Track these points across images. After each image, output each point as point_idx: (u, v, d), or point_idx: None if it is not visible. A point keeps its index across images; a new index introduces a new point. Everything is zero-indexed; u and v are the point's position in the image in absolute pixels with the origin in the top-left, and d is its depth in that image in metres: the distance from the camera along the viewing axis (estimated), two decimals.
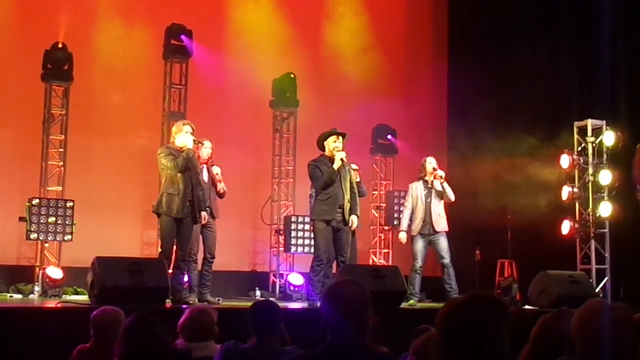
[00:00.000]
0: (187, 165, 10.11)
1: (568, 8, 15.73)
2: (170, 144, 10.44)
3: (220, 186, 11.39)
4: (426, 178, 12.20)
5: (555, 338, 3.57)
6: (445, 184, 12.12)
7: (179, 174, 10.07)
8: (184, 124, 10.36)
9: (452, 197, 12.15)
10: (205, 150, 11.25)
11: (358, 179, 11.82)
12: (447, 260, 12.02)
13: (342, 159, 10.61)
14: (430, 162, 12.24)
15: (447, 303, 3.09)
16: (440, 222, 12.10)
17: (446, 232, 12.10)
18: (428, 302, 13.39)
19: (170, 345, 5.55)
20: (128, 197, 14.59)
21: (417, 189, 12.25)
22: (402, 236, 12.20)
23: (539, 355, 3.51)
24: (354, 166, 11.65)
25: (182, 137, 10.20)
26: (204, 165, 11.24)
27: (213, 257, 11.30)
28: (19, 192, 13.61)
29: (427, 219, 12.05)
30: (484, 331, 2.88)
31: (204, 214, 10.68)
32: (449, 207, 12.56)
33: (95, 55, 14.50)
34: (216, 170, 11.35)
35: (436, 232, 12.05)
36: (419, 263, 12.08)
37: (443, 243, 12.06)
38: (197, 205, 10.28)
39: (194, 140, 10.22)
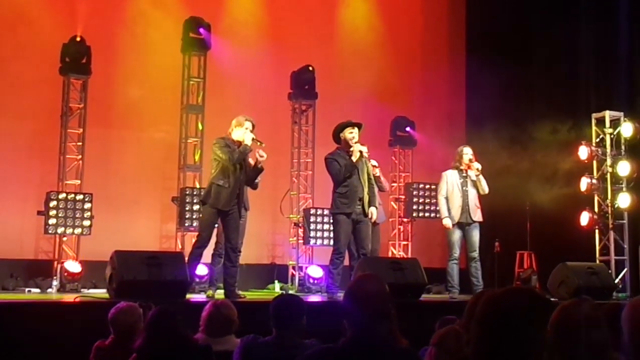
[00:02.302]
0: (241, 160, 10.08)
1: (586, 1, 15.61)
2: (227, 135, 10.31)
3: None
4: (461, 167, 12.01)
5: (573, 325, 3.49)
6: (481, 176, 11.94)
7: (231, 167, 10.02)
8: (246, 119, 10.24)
9: (486, 189, 11.96)
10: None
11: (378, 174, 11.72)
12: (476, 253, 11.85)
13: (360, 151, 10.51)
14: (467, 153, 11.98)
15: (481, 295, 3.05)
16: (477, 211, 11.92)
17: (480, 222, 11.93)
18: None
19: (191, 340, 5.50)
20: (146, 190, 14.53)
21: (451, 177, 11.98)
22: (448, 222, 11.80)
23: (557, 341, 3.44)
24: (374, 162, 11.55)
25: (241, 131, 10.12)
26: None
27: (239, 250, 11.25)
28: (38, 186, 13.54)
29: (465, 207, 11.83)
30: (525, 326, 2.82)
31: (244, 212, 10.64)
32: None
33: (114, 49, 14.44)
34: (262, 154, 10.99)
35: (473, 222, 11.87)
36: (457, 252, 11.85)
37: (476, 236, 11.87)
38: (241, 200, 10.24)
39: (253, 139, 10.12)
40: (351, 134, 10.60)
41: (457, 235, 11.83)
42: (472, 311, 3.21)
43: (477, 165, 11.88)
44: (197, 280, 11.70)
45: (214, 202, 10.05)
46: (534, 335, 2.82)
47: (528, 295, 2.94)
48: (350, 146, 10.55)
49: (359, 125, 10.72)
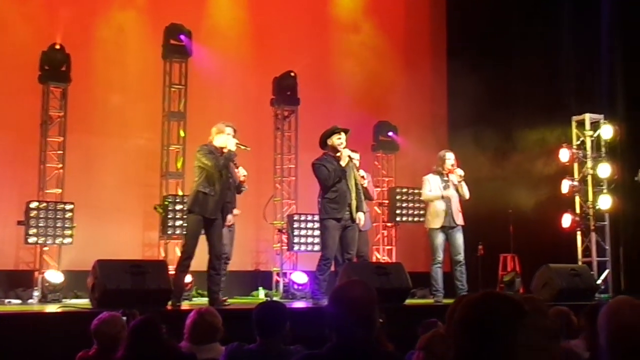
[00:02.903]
0: (226, 167, 10.07)
1: (567, 2, 15.67)
2: (209, 142, 10.28)
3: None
4: (443, 172, 11.97)
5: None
6: (463, 182, 11.95)
7: (216, 174, 10.00)
8: (226, 126, 10.26)
9: (467, 195, 11.98)
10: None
11: (366, 184, 11.72)
12: (461, 256, 11.85)
13: (349, 156, 10.54)
14: (450, 159, 11.93)
15: (461, 300, 3.13)
16: (459, 215, 11.91)
17: (462, 226, 11.94)
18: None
19: (176, 349, 5.47)
20: (128, 198, 14.43)
21: (434, 181, 11.92)
22: (437, 192, 11.82)
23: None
24: (362, 173, 11.56)
25: (223, 138, 10.11)
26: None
27: (229, 258, 11.23)
28: (18, 195, 13.40)
29: (448, 211, 11.80)
30: (499, 330, 2.87)
31: (230, 217, 10.64)
32: None
33: (94, 56, 14.35)
34: (243, 172, 11.18)
35: (456, 225, 11.86)
36: (440, 256, 11.84)
37: (460, 239, 11.86)
38: (225, 208, 10.24)
39: (237, 144, 10.12)
40: (339, 139, 10.63)
41: (440, 239, 11.81)
42: (453, 316, 3.24)
43: (459, 171, 11.85)
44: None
45: (200, 210, 10.01)
46: (509, 339, 2.86)
47: (502, 300, 2.98)
48: (338, 151, 10.57)
49: (345, 131, 10.74)
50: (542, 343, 3.45)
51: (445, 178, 11.90)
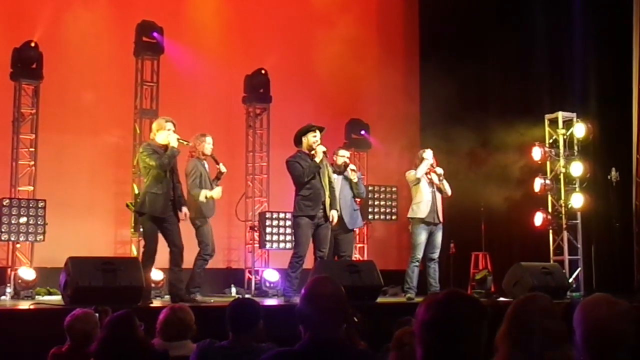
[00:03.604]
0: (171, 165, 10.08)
1: (540, 1, 15.76)
2: (151, 141, 10.29)
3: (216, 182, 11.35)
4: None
5: (529, 316, 3.60)
6: (444, 180, 12.06)
7: (162, 173, 9.99)
8: (166, 121, 10.26)
9: (449, 192, 12.12)
10: (208, 146, 11.17)
11: (356, 180, 11.81)
12: (436, 255, 11.98)
13: (324, 152, 10.64)
14: (428, 158, 12.09)
15: (427, 299, 3.13)
16: (441, 212, 12.06)
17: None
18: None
19: (150, 345, 5.50)
20: (100, 195, 14.43)
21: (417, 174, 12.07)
22: (426, 163, 12.02)
23: (514, 335, 3.57)
24: (352, 166, 11.68)
25: (164, 134, 10.10)
26: (204, 162, 11.17)
27: (211, 255, 11.25)
28: None
29: (434, 207, 11.96)
30: (462, 330, 2.96)
31: (184, 209, 10.56)
32: None
33: (66, 53, 14.30)
34: (223, 169, 11.26)
35: (439, 222, 11.97)
36: (419, 255, 11.94)
37: (439, 237, 12.00)
38: (177, 203, 10.25)
39: (178, 139, 10.11)
40: (314, 137, 10.71)
41: (423, 236, 11.91)
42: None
43: (439, 170, 12.02)
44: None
45: (150, 210, 10.02)
46: (473, 337, 2.95)
47: (466, 300, 3.06)
48: (312, 149, 10.65)
49: (320, 129, 10.83)
50: (549, 348, 3.50)
51: (429, 176, 12.02)
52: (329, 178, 10.88)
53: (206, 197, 10.91)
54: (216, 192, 11.19)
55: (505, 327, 3.59)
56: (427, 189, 12.01)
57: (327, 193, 10.74)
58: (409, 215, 12.21)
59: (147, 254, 10.15)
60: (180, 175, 10.71)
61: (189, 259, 10.86)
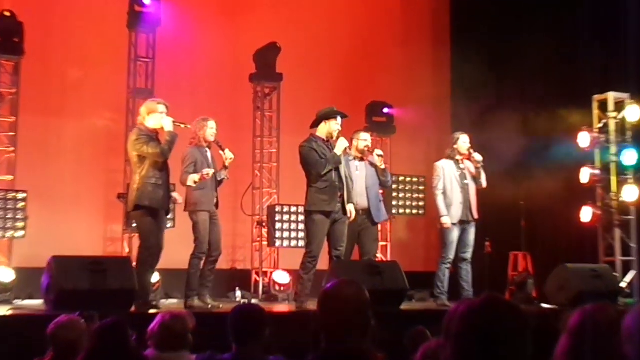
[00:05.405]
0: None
1: None
2: (141, 125, 10.21)
3: (225, 173, 11.21)
4: (457, 158, 11.96)
5: (599, 331, 3.50)
6: (482, 169, 11.93)
7: (161, 163, 9.93)
8: (158, 103, 10.18)
9: (485, 183, 11.98)
10: (211, 130, 11.07)
11: (384, 167, 11.66)
12: (469, 255, 11.87)
13: (345, 150, 10.58)
14: (465, 142, 11.94)
15: (459, 306, 3.01)
16: (475, 208, 11.94)
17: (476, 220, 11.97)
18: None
19: (142, 357, 5.46)
20: (88, 186, 14.43)
21: (448, 169, 11.90)
22: (447, 221, 11.68)
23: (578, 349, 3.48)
24: (379, 152, 11.55)
25: (156, 117, 10.02)
26: (207, 149, 11.07)
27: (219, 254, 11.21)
28: None
29: (467, 203, 11.83)
30: (503, 343, 2.84)
31: (174, 194, 10.48)
32: None
33: (50, 25, 14.34)
34: (229, 155, 11.12)
35: (473, 219, 11.86)
36: (452, 255, 11.80)
37: (472, 235, 11.88)
38: (170, 194, 10.22)
39: (174, 122, 10.03)
40: (337, 125, 10.58)
41: (455, 235, 11.78)
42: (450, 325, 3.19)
43: (478, 157, 11.82)
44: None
45: (152, 203, 9.92)
46: (516, 352, 2.84)
47: (507, 307, 2.94)
48: (331, 137, 10.55)
49: (343, 116, 10.72)
50: None
51: (462, 165, 11.89)
52: (346, 169, 10.77)
53: (195, 182, 10.74)
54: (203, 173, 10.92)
55: (569, 342, 3.49)
56: (457, 188, 11.83)
57: (345, 185, 10.63)
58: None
59: (148, 251, 10.03)
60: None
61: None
